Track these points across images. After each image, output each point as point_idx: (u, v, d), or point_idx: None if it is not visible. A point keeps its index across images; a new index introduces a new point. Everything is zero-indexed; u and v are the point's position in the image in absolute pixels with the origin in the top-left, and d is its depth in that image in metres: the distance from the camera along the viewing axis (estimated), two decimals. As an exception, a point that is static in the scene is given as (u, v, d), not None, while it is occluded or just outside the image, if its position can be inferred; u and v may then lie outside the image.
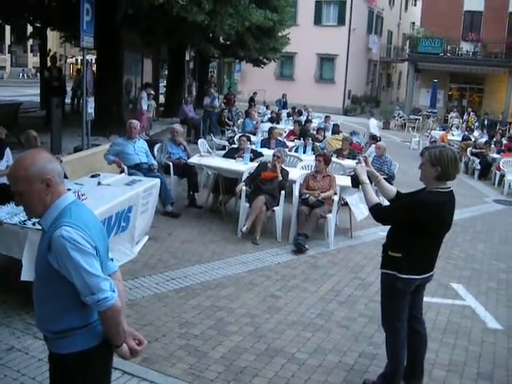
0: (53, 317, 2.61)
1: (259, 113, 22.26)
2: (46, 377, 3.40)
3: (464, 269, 8.13)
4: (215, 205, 9.87)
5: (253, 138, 13.08)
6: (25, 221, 5.17)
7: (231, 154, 10.42)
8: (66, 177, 6.08)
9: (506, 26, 32.80)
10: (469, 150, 18.09)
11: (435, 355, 5.24)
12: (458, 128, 25.36)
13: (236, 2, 14.69)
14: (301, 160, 10.89)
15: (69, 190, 2.77)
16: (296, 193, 8.74)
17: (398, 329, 4.35)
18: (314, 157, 9.62)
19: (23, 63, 54.63)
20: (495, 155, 16.98)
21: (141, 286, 6.34)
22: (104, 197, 6.42)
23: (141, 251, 7.34)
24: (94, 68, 16.06)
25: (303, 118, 19.58)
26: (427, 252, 4.26)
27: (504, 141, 19.27)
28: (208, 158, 10.30)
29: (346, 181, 9.13)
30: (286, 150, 11.07)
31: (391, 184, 4.79)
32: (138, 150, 9.21)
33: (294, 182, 8.91)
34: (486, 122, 29.30)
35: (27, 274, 4.71)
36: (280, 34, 24.07)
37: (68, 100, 21.68)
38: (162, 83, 29.39)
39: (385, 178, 4.83)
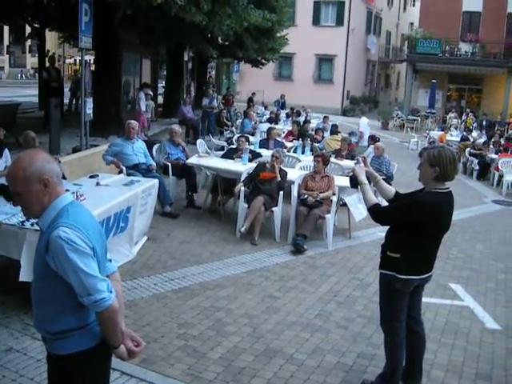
0: (51, 318, 2.61)
1: (258, 113, 22.27)
2: (44, 377, 3.40)
3: (462, 269, 8.14)
4: (214, 205, 9.87)
5: (251, 138, 13.10)
6: (23, 221, 5.16)
7: (230, 154, 10.43)
8: (64, 177, 6.08)
9: (505, 27, 32.83)
10: (467, 150, 18.11)
11: (434, 356, 5.25)
12: (456, 128, 25.38)
13: (234, 3, 14.68)
14: (299, 160, 10.89)
15: (67, 190, 2.77)
16: (295, 193, 8.74)
17: (396, 329, 4.35)
18: (312, 157, 9.62)
19: (22, 64, 54.63)
20: (494, 155, 17.00)
21: (139, 286, 6.34)
22: (102, 197, 6.42)
23: (139, 252, 7.33)
24: (93, 68, 16.05)
25: (302, 119, 19.58)
26: (426, 252, 4.26)
27: (502, 141, 19.31)
28: (207, 158, 10.30)
29: (344, 181, 9.13)
30: (285, 150, 11.08)
31: (390, 184, 4.79)
32: (137, 150, 9.21)
33: (293, 182, 8.91)
34: (484, 123, 29.30)
35: (26, 275, 4.71)
36: (278, 35, 24.05)
37: (66, 100, 21.66)
38: (161, 84, 29.38)
39: (383, 179, 4.83)
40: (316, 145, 13.42)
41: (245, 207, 8.53)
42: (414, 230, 4.06)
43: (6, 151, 7.90)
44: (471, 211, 12.26)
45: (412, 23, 45.61)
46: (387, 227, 4.43)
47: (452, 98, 37.36)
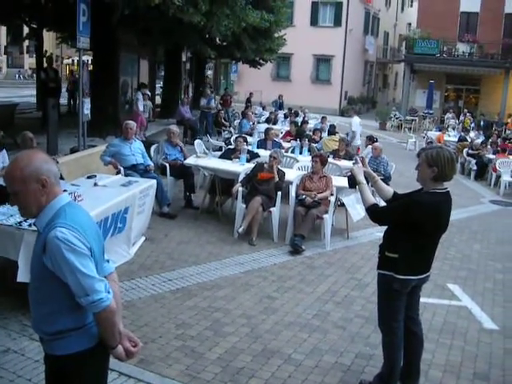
0: (48, 318, 2.61)
1: (256, 114, 22.26)
2: (41, 378, 3.39)
3: (460, 269, 8.15)
4: (212, 206, 9.87)
5: (249, 138, 13.09)
6: (21, 222, 5.15)
7: (228, 154, 10.42)
8: (62, 178, 6.07)
9: (502, 27, 32.91)
10: (465, 150, 18.14)
11: (432, 356, 5.25)
12: (454, 129, 25.39)
13: (232, 3, 14.67)
14: (297, 161, 10.90)
15: (65, 191, 2.77)
16: (292, 193, 8.75)
17: (394, 329, 4.36)
18: (310, 158, 9.62)
19: (19, 64, 54.62)
20: (491, 156, 17.02)
21: (137, 287, 6.34)
22: (100, 198, 6.41)
23: (137, 252, 7.32)
24: (91, 69, 16.03)
25: (299, 119, 19.58)
26: (424, 253, 4.27)
27: (499, 141, 19.33)
28: (204, 158, 10.30)
29: (342, 181, 9.12)
30: (283, 150, 11.08)
31: (388, 185, 4.79)
32: (135, 150, 9.20)
33: (291, 182, 8.91)
34: (481, 123, 29.34)
35: (23, 276, 4.70)
36: (276, 35, 24.04)
37: (64, 101, 21.63)
38: (159, 84, 29.36)
39: (381, 179, 4.83)
40: (314, 145, 13.43)
41: (243, 207, 8.53)
42: (412, 230, 4.06)
43: (4, 152, 7.88)
44: (469, 211, 12.28)
45: (410, 24, 45.69)
46: (385, 227, 4.43)
47: (450, 99, 37.41)
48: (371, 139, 14.65)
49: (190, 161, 9.92)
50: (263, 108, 25.87)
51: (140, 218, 7.42)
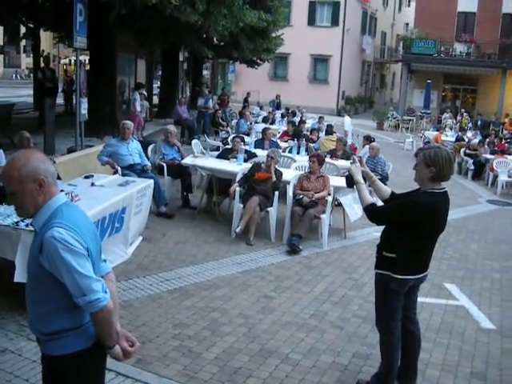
0: (45, 318, 2.61)
1: (253, 113, 22.25)
2: (39, 378, 3.38)
3: (457, 269, 8.16)
4: (209, 205, 9.86)
5: (247, 138, 13.07)
6: (18, 222, 5.15)
7: (225, 154, 10.42)
8: (59, 178, 6.06)
9: (500, 27, 32.93)
10: (462, 150, 18.16)
11: (429, 355, 5.26)
12: (451, 129, 25.43)
13: (230, 3, 14.66)
14: (295, 161, 10.90)
15: (62, 191, 2.76)
16: (290, 193, 8.75)
17: (392, 329, 4.36)
18: (307, 157, 9.62)
19: (16, 64, 54.51)
20: (488, 156, 17.05)
21: (134, 287, 6.33)
22: (97, 198, 6.41)
23: (134, 252, 7.32)
24: (88, 68, 16.02)
25: (297, 119, 19.59)
26: (421, 252, 4.27)
27: (496, 141, 19.36)
28: (202, 158, 10.29)
29: (339, 181, 9.12)
30: (280, 150, 11.07)
31: (385, 184, 4.79)
32: (132, 150, 9.19)
33: (288, 182, 8.91)
34: (479, 123, 29.39)
35: (20, 276, 4.69)
36: (274, 35, 24.04)
37: (60, 101, 21.60)
38: (156, 84, 29.34)
39: (378, 179, 4.84)
40: (311, 145, 13.42)
41: (240, 207, 8.53)
42: (410, 229, 4.07)
43: (1, 152, 7.86)
44: (466, 211, 12.30)
45: (407, 23, 45.72)
46: (382, 227, 4.44)
47: (447, 99, 37.44)
48: (368, 139, 14.66)
49: (188, 161, 9.92)
50: (260, 108, 25.86)
51: (137, 217, 7.42)
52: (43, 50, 27.72)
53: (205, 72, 28.74)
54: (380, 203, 4.56)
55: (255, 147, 12.00)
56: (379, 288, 4.40)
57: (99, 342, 2.66)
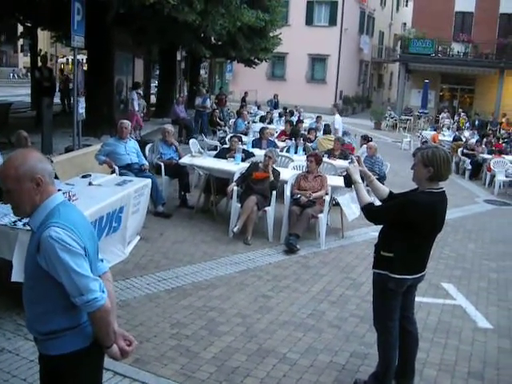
0: (42, 318, 2.60)
1: (251, 113, 22.25)
2: (36, 378, 3.39)
3: (455, 268, 8.17)
4: (206, 205, 9.86)
5: (244, 138, 13.10)
6: (15, 221, 5.14)
7: (223, 154, 10.42)
8: (56, 177, 6.06)
9: (497, 27, 32.98)
10: (460, 150, 18.18)
11: (426, 355, 5.26)
12: (449, 128, 25.45)
13: (227, 2, 14.67)
14: (292, 160, 10.90)
15: (59, 190, 2.76)
16: (287, 193, 8.75)
17: (389, 328, 4.36)
18: (305, 157, 9.63)
19: (14, 63, 54.46)
20: (486, 155, 17.07)
21: (132, 286, 6.33)
22: (95, 197, 6.40)
23: (132, 252, 7.32)
24: (85, 68, 16.00)
25: (295, 119, 19.59)
26: (419, 252, 4.27)
27: (493, 141, 19.39)
28: (199, 158, 10.29)
29: (337, 181, 9.13)
30: (278, 150, 11.08)
31: (383, 184, 4.80)
32: (129, 150, 9.19)
33: (286, 182, 8.91)
34: (476, 123, 29.43)
35: (18, 275, 4.69)
36: (271, 35, 24.05)
37: (57, 100, 21.56)
38: (154, 83, 29.32)
39: (376, 178, 4.84)
40: (309, 144, 13.43)
41: (238, 207, 8.53)
42: (408, 229, 4.07)
43: (-2, 151, 7.86)
44: (463, 211, 12.32)
45: (405, 23, 45.73)
46: (380, 227, 4.44)
47: (444, 98, 37.49)
48: (366, 139, 14.68)
49: (185, 160, 9.91)
50: (258, 107, 25.87)
51: (135, 217, 7.41)
52: (40, 49, 27.67)
53: (202, 71, 28.71)
54: (378, 203, 4.56)
55: (253, 147, 12.00)
56: (377, 287, 4.41)
57: (97, 342, 2.66)
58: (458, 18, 34.59)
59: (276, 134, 15.52)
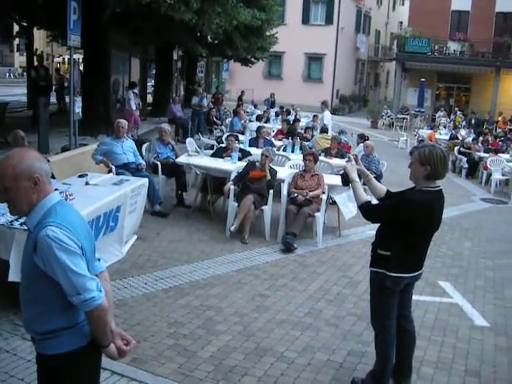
0: (39, 318, 2.60)
1: (247, 112, 22.24)
2: (34, 378, 3.37)
3: (451, 267, 8.19)
4: (203, 204, 9.86)
5: (241, 137, 13.08)
6: (12, 221, 5.13)
7: (219, 153, 10.42)
8: (53, 177, 6.05)
9: (493, 26, 33.01)
10: (456, 148, 18.21)
11: (423, 353, 5.28)
12: (445, 127, 25.49)
13: (224, 1, 14.64)
14: (289, 159, 10.90)
15: (56, 190, 2.75)
16: (284, 192, 8.75)
17: (387, 327, 4.37)
18: (302, 156, 9.63)
19: (10, 63, 54.36)
20: (482, 154, 17.11)
21: (129, 285, 6.33)
22: (92, 197, 6.40)
23: (129, 251, 7.31)
24: (81, 67, 15.98)
25: (291, 117, 19.58)
26: (416, 250, 4.28)
27: (490, 139, 19.42)
28: (196, 157, 10.29)
29: (334, 180, 9.14)
30: (274, 149, 11.08)
31: (379, 183, 4.81)
32: (126, 149, 9.18)
33: (283, 181, 8.92)
34: (473, 121, 29.47)
35: (15, 275, 4.68)
36: (268, 33, 24.02)
37: (53, 100, 21.51)
38: (150, 83, 29.27)
39: (373, 177, 4.85)
40: (305, 143, 13.43)
41: (235, 206, 8.53)
42: (405, 227, 4.08)
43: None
44: (460, 209, 12.34)
45: (401, 22, 45.76)
46: (377, 225, 4.45)
47: (441, 97, 37.53)
48: (363, 137, 14.68)
49: (182, 159, 9.91)
50: (255, 106, 25.84)
51: (132, 216, 7.41)
52: (37, 49, 27.62)
53: (199, 70, 28.66)
54: (375, 201, 4.57)
55: (249, 146, 12.01)
56: (374, 286, 4.42)
57: (94, 341, 2.65)
58: (455, 16, 34.63)
59: (273, 133, 15.53)
